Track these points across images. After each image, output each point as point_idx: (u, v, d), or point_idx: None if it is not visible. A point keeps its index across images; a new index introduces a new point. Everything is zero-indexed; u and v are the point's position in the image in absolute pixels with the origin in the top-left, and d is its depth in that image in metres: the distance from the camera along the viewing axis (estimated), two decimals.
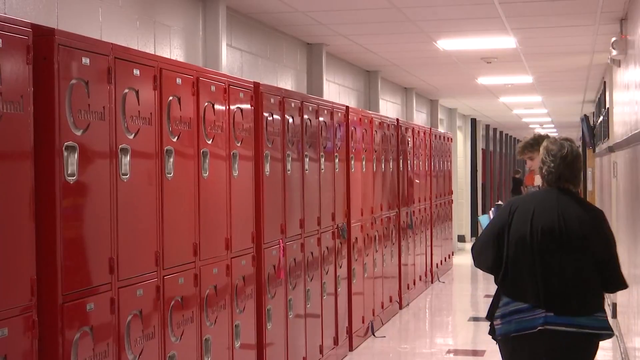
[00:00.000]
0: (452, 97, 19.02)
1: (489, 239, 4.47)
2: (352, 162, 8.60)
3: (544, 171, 4.49)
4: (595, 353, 4.42)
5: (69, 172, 3.77)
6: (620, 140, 8.24)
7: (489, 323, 4.54)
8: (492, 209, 5.31)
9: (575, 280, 4.29)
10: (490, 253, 4.45)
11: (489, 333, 4.54)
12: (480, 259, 4.54)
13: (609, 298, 10.69)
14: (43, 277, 3.61)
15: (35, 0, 4.93)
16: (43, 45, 3.65)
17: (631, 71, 7.28)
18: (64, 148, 3.73)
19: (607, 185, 11.40)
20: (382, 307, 9.83)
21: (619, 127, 8.95)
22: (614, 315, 9.83)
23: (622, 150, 8.12)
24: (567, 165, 4.44)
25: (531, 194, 4.92)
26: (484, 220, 5.28)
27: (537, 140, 5.22)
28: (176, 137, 4.78)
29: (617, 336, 8.89)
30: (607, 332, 4.36)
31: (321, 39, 9.96)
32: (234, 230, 5.61)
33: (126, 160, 4.23)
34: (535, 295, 4.29)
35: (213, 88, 5.33)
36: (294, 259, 6.79)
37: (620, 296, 9.13)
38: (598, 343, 4.40)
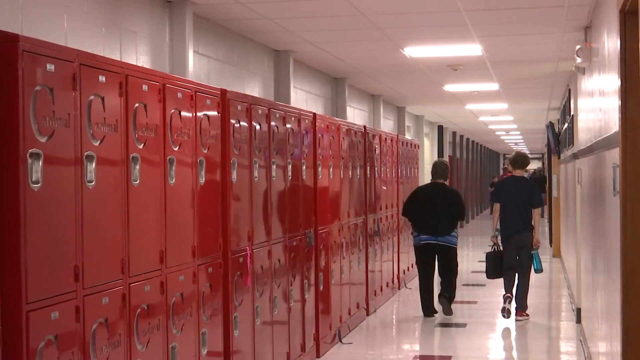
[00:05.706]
0: (419, 104, 19.11)
1: (407, 203, 11.08)
2: (320, 169, 8.61)
3: (431, 172, 11.09)
4: (454, 255, 10.71)
5: (33, 179, 3.74)
6: (585, 147, 8.33)
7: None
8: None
9: (439, 220, 10.52)
10: (408, 208, 10.97)
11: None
12: (404, 212, 11.08)
13: (573, 304, 10.80)
14: (7, 285, 3.58)
15: None
16: (7, 52, 3.62)
17: (595, 79, 7.36)
18: (28, 155, 3.70)
19: (572, 191, 11.51)
20: (349, 313, 9.85)
21: (584, 134, 9.04)
22: (578, 320, 9.91)
23: (586, 157, 8.20)
24: (438, 169, 10.99)
25: (425, 184, 11.60)
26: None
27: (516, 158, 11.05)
28: (142, 144, 4.76)
29: (581, 341, 8.97)
30: (453, 245, 10.63)
31: (288, 45, 9.97)
32: (201, 237, 5.60)
33: (92, 167, 4.21)
34: (421, 227, 10.65)
35: (180, 95, 5.31)
36: (261, 266, 6.78)
37: (584, 302, 9.20)
38: (453, 249, 10.65)
